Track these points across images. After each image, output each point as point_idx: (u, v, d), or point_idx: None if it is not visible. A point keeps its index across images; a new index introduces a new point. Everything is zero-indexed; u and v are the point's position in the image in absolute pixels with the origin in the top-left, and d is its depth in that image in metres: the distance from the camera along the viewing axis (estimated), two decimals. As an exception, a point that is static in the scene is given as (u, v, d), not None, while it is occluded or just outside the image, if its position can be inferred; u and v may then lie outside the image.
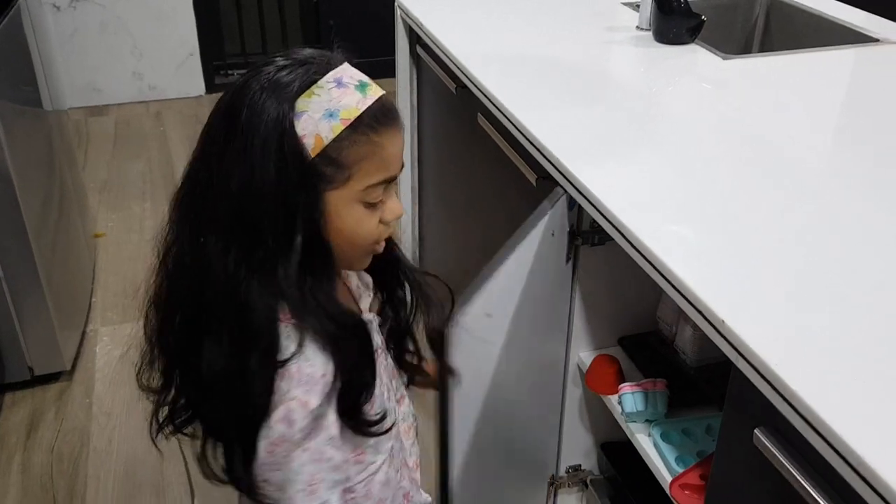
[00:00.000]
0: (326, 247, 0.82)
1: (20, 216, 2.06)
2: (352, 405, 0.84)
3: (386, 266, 0.96)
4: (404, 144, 0.86)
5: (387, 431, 0.90)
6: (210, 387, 0.83)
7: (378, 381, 0.90)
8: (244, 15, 4.29)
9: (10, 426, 2.17)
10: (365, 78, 0.84)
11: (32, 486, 2.00)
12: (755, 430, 0.92)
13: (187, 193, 0.84)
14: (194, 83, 4.22)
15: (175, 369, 0.89)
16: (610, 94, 1.68)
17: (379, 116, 0.82)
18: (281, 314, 0.81)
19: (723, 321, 0.95)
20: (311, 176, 0.79)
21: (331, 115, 0.79)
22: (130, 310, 2.64)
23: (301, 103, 0.79)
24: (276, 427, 0.81)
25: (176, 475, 2.03)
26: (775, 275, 1.04)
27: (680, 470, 1.18)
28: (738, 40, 2.19)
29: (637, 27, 1.98)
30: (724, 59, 1.80)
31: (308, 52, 0.84)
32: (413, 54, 2.23)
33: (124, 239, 3.02)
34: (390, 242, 0.92)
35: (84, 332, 2.51)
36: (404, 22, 2.21)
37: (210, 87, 4.26)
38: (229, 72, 4.34)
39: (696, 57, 1.82)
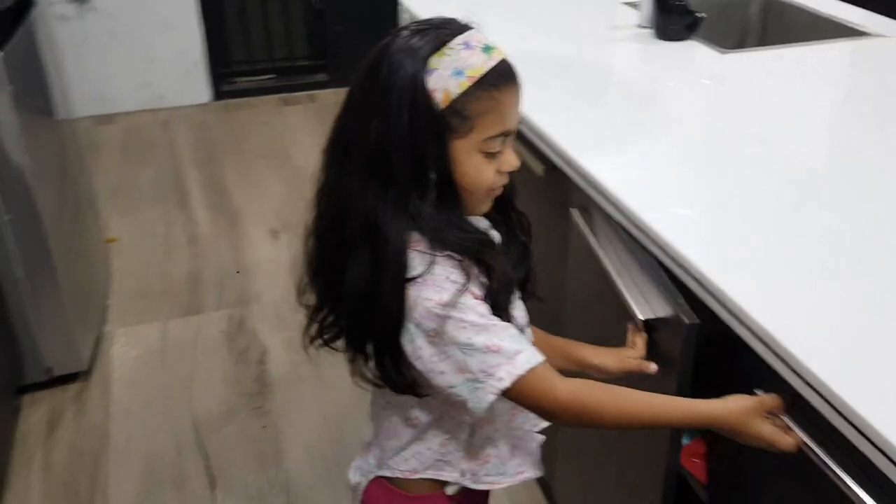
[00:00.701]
0: (453, 187, 0.93)
1: (39, 220, 2.12)
2: (498, 301, 0.95)
3: (501, 205, 1.03)
4: (519, 103, 0.95)
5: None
6: (352, 304, 0.95)
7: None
8: (249, 22, 4.35)
9: (30, 425, 2.22)
10: (490, 41, 0.94)
11: (54, 482, 2.05)
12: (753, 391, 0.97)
13: (334, 140, 0.97)
14: (201, 90, 4.28)
15: (324, 290, 1.01)
16: (615, 89, 1.73)
17: (500, 76, 0.92)
18: (410, 242, 0.92)
19: (723, 291, 1.00)
20: (439, 125, 0.90)
21: (458, 73, 0.90)
22: (146, 311, 2.70)
23: (433, 62, 0.90)
24: (424, 324, 0.92)
25: (195, 468, 2.08)
26: (767, 245, 1.09)
27: (687, 441, 1.22)
28: (735, 36, 2.25)
29: (638, 25, 2.03)
30: (723, 53, 1.85)
31: (439, 19, 0.95)
32: (419, 56, 2.28)
33: (137, 243, 3.08)
34: (507, 186, 1.01)
35: (101, 334, 2.56)
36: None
37: (217, 95, 4.32)
38: (235, 79, 4.40)
39: (695, 52, 1.88)
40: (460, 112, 0.90)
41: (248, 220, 3.23)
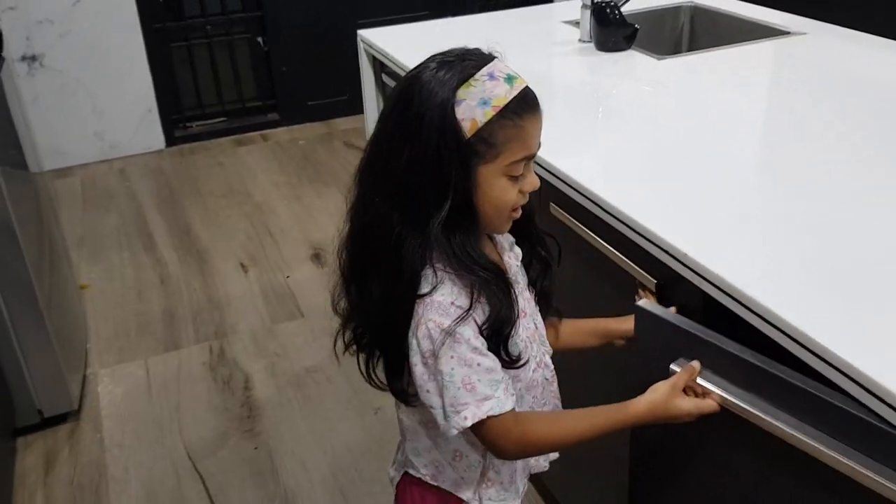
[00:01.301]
0: (473, 210, 1.00)
1: (25, 269, 2.19)
2: (496, 334, 1.02)
3: (523, 224, 1.11)
4: (541, 128, 1.03)
5: (523, 365, 1.08)
6: (371, 313, 1.06)
7: (520, 325, 1.08)
8: (197, 68, 4.45)
9: (27, 466, 2.26)
10: (512, 71, 1.02)
11: (57, 518, 2.10)
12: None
13: (367, 161, 1.04)
14: (154, 138, 4.35)
15: (355, 300, 1.09)
16: (566, 97, 1.89)
17: (523, 104, 0.99)
18: (430, 260, 1.01)
19: (686, 254, 1.14)
20: (466, 153, 0.97)
21: (484, 103, 0.97)
22: (126, 351, 2.76)
23: (461, 93, 0.97)
24: (423, 343, 1.00)
25: (195, 492, 2.15)
26: (716, 212, 1.25)
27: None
28: (668, 44, 2.44)
29: (579, 40, 2.20)
30: (659, 59, 2.03)
31: (462, 49, 1.04)
32: (379, 83, 2.42)
33: (109, 287, 3.13)
34: (526, 206, 1.08)
35: (85, 376, 2.61)
36: (367, 53, 2.41)
37: (170, 141, 4.40)
38: (188, 124, 4.49)
39: (634, 60, 2.05)
40: (487, 139, 0.97)
41: (216, 257, 3.31)
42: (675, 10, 2.45)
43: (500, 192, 1.00)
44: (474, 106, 0.97)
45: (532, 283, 1.17)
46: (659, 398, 1.06)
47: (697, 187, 1.37)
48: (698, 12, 2.44)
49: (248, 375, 2.61)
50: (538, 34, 2.39)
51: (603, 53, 2.10)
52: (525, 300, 1.13)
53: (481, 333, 1.01)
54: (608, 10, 2.08)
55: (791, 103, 1.75)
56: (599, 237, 1.39)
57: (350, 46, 4.39)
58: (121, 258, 3.34)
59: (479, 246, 1.04)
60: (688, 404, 1.06)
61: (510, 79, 1.00)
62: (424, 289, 1.00)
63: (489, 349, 1.02)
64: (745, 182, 1.40)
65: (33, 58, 3.97)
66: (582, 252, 1.48)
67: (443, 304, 0.99)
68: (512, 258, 1.14)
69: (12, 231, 2.13)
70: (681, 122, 1.66)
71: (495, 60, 1.02)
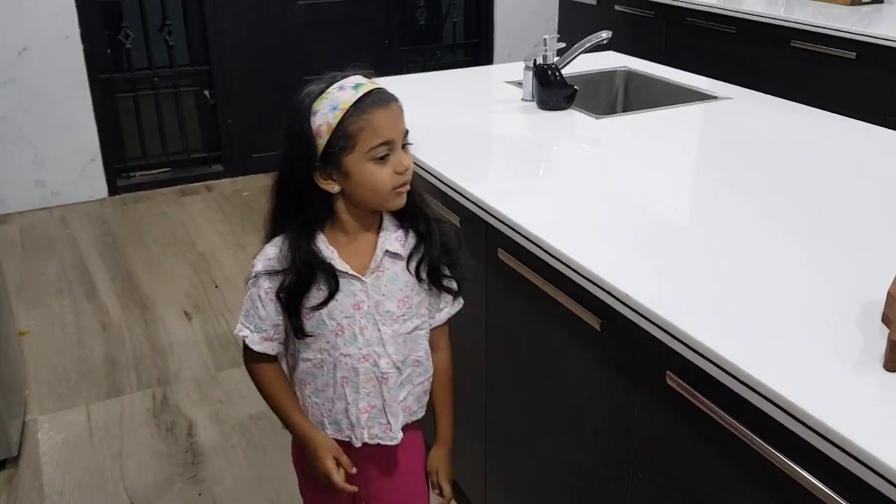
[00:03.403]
0: (323, 202, 1.27)
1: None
2: (288, 296, 1.29)
3: (409, 210, 1.33)
4: (399, 118, 1.25)
5: (301, 337, 1.33)
6: None
7: (337, 310, 1.31)
8: (143, 118, 4.48)
9: (-38, 514, 2.22)
10: (363, 81, 1.24)
11: (-7, 566, 2.06)
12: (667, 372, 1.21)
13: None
14: (97, 186, 4.35)
15: None
16: (511, 151, 2.00)
17: (367, 101, 1.21)
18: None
19: (627, 294, 1.24)
20: (327, 152, 1.22)
21: (334, 108, 1.21)
22: (66, 397, 2.73)
23: (315, 105, 1.22)
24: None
25: (138, 537, 2.13)
26: (652, 256, 1.36)
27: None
28: (605, 104, 2.59)
29: (522, 99, 2.33)
30: (597, 118, 2.16)
31: (339, 73, 1.26)
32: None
33: (48, 334, 3.10)
34: (412, 195, 1.31)
35: (24, 422, 2.58)
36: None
37: (112, 190, 4.39)
38: (131, 173, 4.50)
39: (574, 119, 2.18)
40: (343, 135, 1.21)
41: (158, 304, 3.31)
42: (610, 74, 2.61)
43: (370, 175, 1.23)
44: (327, 112, 1.21)
45: (416, 269, 1.35)
46: (320, 443, 1.39)
47: (634, 234, 1.48)
48: (631, 77, 2.60)
49: (192, 422, 2.61)
50: (482, 92, 2.52)
51: (544, 112, 2.23)
52: (374, 300, 1.32)
53: (277, 295, 1.30)
54: (549, 72, 2.21)
55: (716, 160, 1.89)
56: (545, 279, 1.49)
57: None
58: (61, 305, 3.32)
59: (312, 235, 1.28)
60: (331, 466, 1.38)
61: (357, 86, 1.23)
62: (269, 241, 1.32)
63: (286, 309, 1.30)
64: (673, 229, 1.52)
65: (-25, 104, 3.96)
66: (528, 295, 1.57)
67: (265, 254, 1.31)
68: (389, 251, 1.32)
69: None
70: (617, 174, 1.79)
71: (353, 76, 1.25)
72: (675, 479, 1.28)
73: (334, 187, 1.25)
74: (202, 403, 2.70)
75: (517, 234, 1.53)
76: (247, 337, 1.35)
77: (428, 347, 1.42)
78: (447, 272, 1.38)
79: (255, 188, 4.50)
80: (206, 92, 4.53)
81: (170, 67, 4.46)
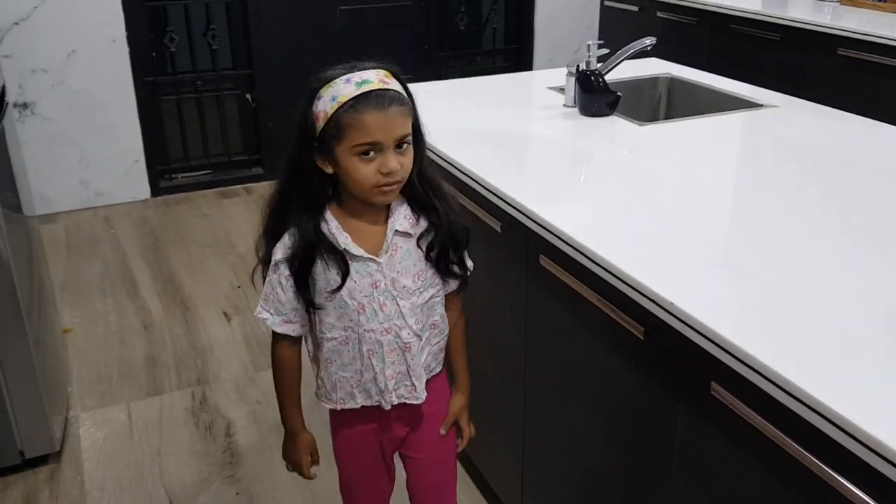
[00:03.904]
0: (319, 182, 1.33)
1: (18, 310, 2.22)
2: (297, 272, 1.37)
3: (421, 198, 1.40)
4: (393, 122, 1.28)
5: (314, 310, 1.40)
6: None
7: (356, 289, 1.37)
8: (186, 121, 4.54)
9: (6, 507, 2.26)
10: (371, 79, 1.29)
11: (35, 560, 2.09)
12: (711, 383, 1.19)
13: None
14: (140, 187, 4.41)
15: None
16: (553, 157, 2.00)
17: (363, 101, 1.26)
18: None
19: (672, 303, 1.23)
20: (323, 137, 1.28)
21: (333, 99, 1.27)
22: (108, 395, 2.77)
23: (322, 91, 1.29)
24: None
25: (177, 535, 2.16)
26: (697, 264, 1.34)
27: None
28: (647, 111, 2.57)
29: (564, 105, 2.32)
30: (640, 125, 2.15)
31: (359, 64, 1.32)
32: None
33: (92, 332, 3.16)
34: (425, 185, 1.39)
35: (66, 419, 2.62)
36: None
37: (155, 191, 4.46)
38: (173, 175, 4.56)
39: (616, 125, 2.17)
40: (334, 126, 1.27)
41: (199, 305, 3.35)
42: (653, 80, 2.59)
43: (354, 169, 1.29)
44: (327, 101, 1.28)
45: (428, 253, 1.41)
46: (300, 440, 1.56)
47: (677, 242, 1.46)
48: (675, 83, 2.58)
49: (231, 422, 2.63)
50: (523, 98, 2.51)
51: (587, 118, 2.22)
52: (390, 278, 1.38)
53: (291, 275, 1.37)
54: (592, 78, 2.20)
55: (761, 168, 1.86)
56: (587, 286, 1.48)
57: (336, 105, 4.55)
58: (104, 304, 3.37)
59: (317, 214, 1.35)
60: (305, 461, 1.58)
61: (362, 83, 1.28)
62: (286, 230, 1.38)
63: (296, 282, 1.38)
64: (717, 237, 1.50)
65: (25, 105, 4.04)
66: (570, 302, 1.56)
67: (283, 243, 1.38)
68: (399, 230, 1.38)
69: (9, 270, 2.17)
70: (661, 182, 1.77)
71: (366, 70, 1.30)
72: (718, 492, 1.26)
73: (328, 169, 1.33)
74: (240, 404, 2.72)
75: (559, 241, 1.52)
76: (267, 319, 1.43)
77: (443, 311, 1.50)
78: (454, 263, 1.45)
79: (295, 191, 4.53)
80: (248, 95, 4.58)
81: (213, 71, 4.52)
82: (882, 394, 1.02)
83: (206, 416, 2.66)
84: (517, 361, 1.83)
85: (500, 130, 2.13)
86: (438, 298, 1.47)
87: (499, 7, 5.16)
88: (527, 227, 1.62)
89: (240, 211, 4.29)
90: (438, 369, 1.55)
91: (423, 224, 1.41)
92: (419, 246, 1.41)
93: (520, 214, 1.64)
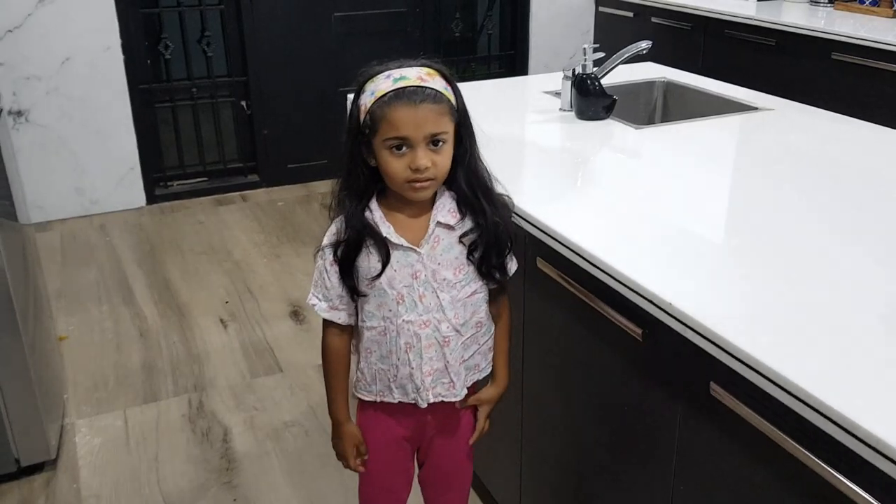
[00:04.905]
0: (366, 173, 1.37)
1: (14, 317, 2.21)
2: (343, 259, 1.40)
3: (469, 199, 1.41)
4: (426, 119, 1.30)
5: (357, 297, 1.42)
6: None
7: (395, 278, 1.39)
8: (181, 128, 4.53)
9: (2, 515, 2.25)
10: (409, 74, 1.31)
11: (31, 568, 2.08)
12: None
13: None
14: (135, 195, 4.40)
15: None
16: (550, 160, 2.00)
17: (395, 96, 1.29)
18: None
19: (670, 303, 1.23)
20: (365, 128, 1.32)
21: (371, 94, 1.32)
22: (104, 402, 2.76)
23: (366, 86, 1.34)
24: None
25: (174, 542, 2.14)
26: (694, 265, 1.34)
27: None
28: (643, 115, 2.58)
29: (560, 109, 2.33)
30: (636, 128, 2.15)
31: (405, 62, 1.35)
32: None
33: (87, 339, 3.14)
34: (475, 189, 1.40)
35: (62, 426, 2.61)
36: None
37: (150, 199, 4.45)
38: (169, 183, 4.55)
39: (612, 129, 2.17)
40: (371, 119, 1.31)
41: (195, 312, 3.34)
42: (649, 84, 2.60)
43: (385, 162, 1.33)
44: (368, 94, 1.32)
45: (470, 252, 1.41)
46: (349, 431, 1.54)
47: (674, 244, 1.46)
48: (670, 87, 2.58)
49: (227, 428, 2.62)
50: (519, 102, 2.52)
51: (583, 122, 2.22)
52: (430, 269, 1.39)
53: (336, 261, 1.40)
54: (588, 82, 2.20)
55: (756, 170, 1.87)
56: (585, 288, 1.48)
57: (330, 112, 4.56)
58: (100, 311, 3.36)
59: (364, 202, 1.39)
60: (350, 451, 1.55)
61: (399, 79, 1.31)
62: (334, 218, 1.42)
63: (341, 270, 1.40)
64: (713, 239, 1.51)
65: (19, 113, 4.04)
66: (568, 305, 1.56)
67: (330, 231, 1.42)
68: (441, 223, 1.39)
69: (4, 278, 2.16)
70: (657, 184, 1.77)
71: (407, 67, 1.33)
72: (718, 492, 1.26)
73: (372, 161, 1.36)
74: (237, 410, 2.71)
75: (556, 243, 1.52)
76: (316, 305, 1.46)
77: (488, 308, 1.49)
78: (495, 267, 1.44)
79: (290, 198, 4.53)
80: (243, 103, 4.57)
81: (208, 78, 4.52)
82: (879, 390, 1.02)
83: (203, 423, 2.65)
84: (514, 363, 1.82)
85: (497, 134, 2.13)
86: (482, 295, 1.47)
87: (493, 13, 5.17)
88: (523, 230, 1.62)
89: (235, 218, 4.28)
90: (487, 371, 1.55)
91: (468, 223, 1.41)
92: (461, 242, 1.41)
93: (516, 217, 1.64)
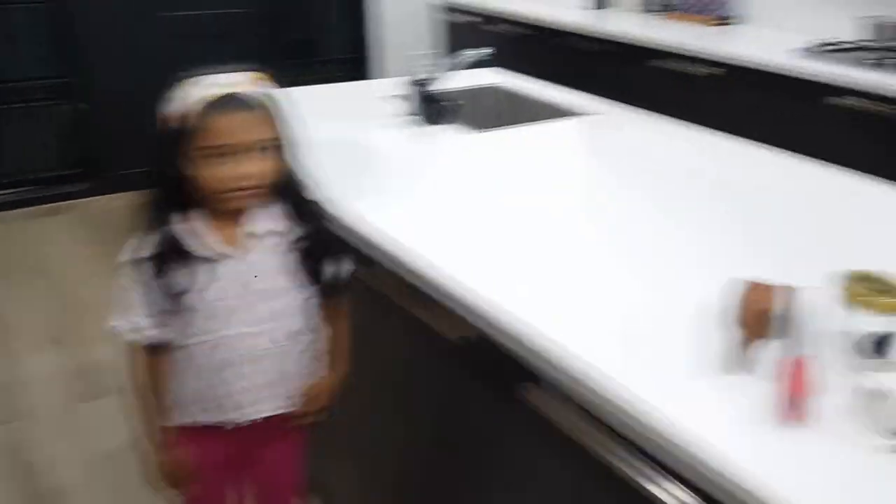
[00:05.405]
0: (182, 183, 1.30)
1: None
2: (158, 273, 1.31)
3: (287, 204, 1.38)
4: (246, 127, 1.28)
5: (172, 313, 1.33)
6: None
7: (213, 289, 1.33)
8: (4, 132, 4.22)
9: None
10: (224, 81, 1.30)
11: None
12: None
13: None
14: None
15: None
16: (394, 164, 2.02)
17: (210, 106, 1.27)
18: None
19: (486, 309, 1.23)
20: (176, 139, 1.28)
21: (185, 101, 1.28)
22: None
23: (178, 94, 1.30)
24: None
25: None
26: (505, 267, 1.39)
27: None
28: (483, 119, 2.61)
29: (402, 113, 2.30)
30: (474, 133, 2.21)
31: (223, 69, 1.32)
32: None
33: None
34: (280, 190, 1.35)
35: None
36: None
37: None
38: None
39: (451, 134, 2.20)
40: (186, 128, 1.27)
41: (15, 334, 3.08)
42: (489, 91, 2.67)
43: (203, 171, 1.28)
44: (180, 103, 1.29)
45: (299, 258, 1.38)
46: (173, 454, 1.44)
47: (513, 244, 1.50)
48: (505, 93, 2.67)
49: (51, 457, 2.42)
50: (363, 107, 2.49)
51: (424, 127, 2.23)
52: (256, 279, 1.34)
53: (153, 275, 1.32)
54: (431, 87, 2.22)
55: (582, 170, 1.98)
56: (402, 293, 1.47)
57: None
58: None
59: (175, 214, 1.32)
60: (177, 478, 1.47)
61: (217, 86, 1.29)
62: (149, 231, 1.34)
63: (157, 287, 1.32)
64: (537, 238, 1.54)
65: None
66: (384, 311, 1.56)
67: (142, 245, 1.33)
68: (262, 232, 1.35)
69: None
70: (496, 184, 1.83)
71: (226, 75, 1.31)
72: (531, 493, 1.28)
73: (187, 171, 1.30)
74: (60, 438, 2.51)
75: (375, 249, 1.52)
76: (122, 327, 1.36)
77: (310, 318, 1.43)
78: (321, 270, 1.41)
79: (121, 206, 4.26)
80: (74, 107, 4.28)
81: (29, 80, 4.21)
82: (681, 387, 1.05)
83: (25, 453, 2.44)
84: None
85: (338, 139, 2.10)
86: (313, 300, 1.43)
87: (334, 15, 5.09)
88: (342, 236, 1.59)
89: (62, 229, 4.00)
90: (317, 375, 1.49)
91: (293, 228, 1.38)
92: (288, 249, 1.37)
93: (338, 223, 1.61)
